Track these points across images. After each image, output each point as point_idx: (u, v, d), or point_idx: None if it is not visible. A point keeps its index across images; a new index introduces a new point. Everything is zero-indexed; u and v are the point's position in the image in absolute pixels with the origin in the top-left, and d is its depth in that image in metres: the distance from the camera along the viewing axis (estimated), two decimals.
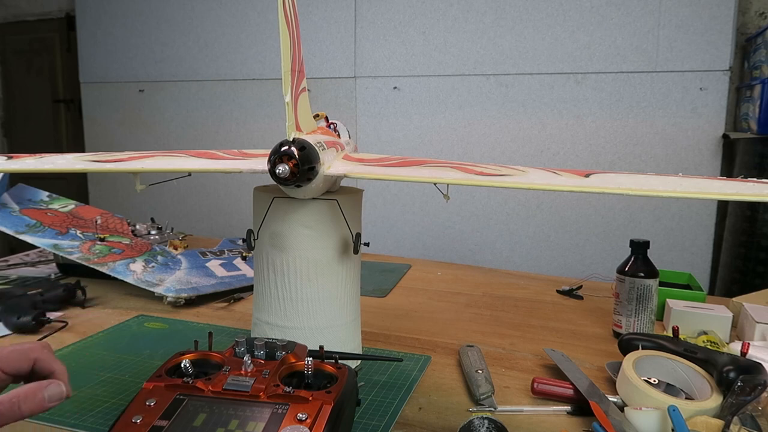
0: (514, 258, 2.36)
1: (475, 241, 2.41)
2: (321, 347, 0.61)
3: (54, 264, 1.26)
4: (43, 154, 0.72)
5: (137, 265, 1.12)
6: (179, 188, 2.83)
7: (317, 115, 0.82)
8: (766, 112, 1.80)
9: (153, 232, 1.39)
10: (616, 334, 0.91)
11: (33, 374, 0.49)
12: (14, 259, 1.37)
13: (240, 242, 1.44)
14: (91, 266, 1.10)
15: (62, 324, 0.93)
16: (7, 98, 3.71)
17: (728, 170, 2.10)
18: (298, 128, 0.63)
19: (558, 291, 1.18)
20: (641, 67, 2.13)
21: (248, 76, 2.69)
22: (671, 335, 0.81)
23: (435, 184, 0.63)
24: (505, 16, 2.26)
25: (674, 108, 2.11)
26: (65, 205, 1.31)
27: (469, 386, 0.73)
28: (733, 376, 0.64)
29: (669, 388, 0.70)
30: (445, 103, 2.39)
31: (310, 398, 0.52)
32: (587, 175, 0.57)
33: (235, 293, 1.10)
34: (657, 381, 0.71)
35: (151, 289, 1.05)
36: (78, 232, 1.20)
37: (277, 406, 0.52)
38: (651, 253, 0.92)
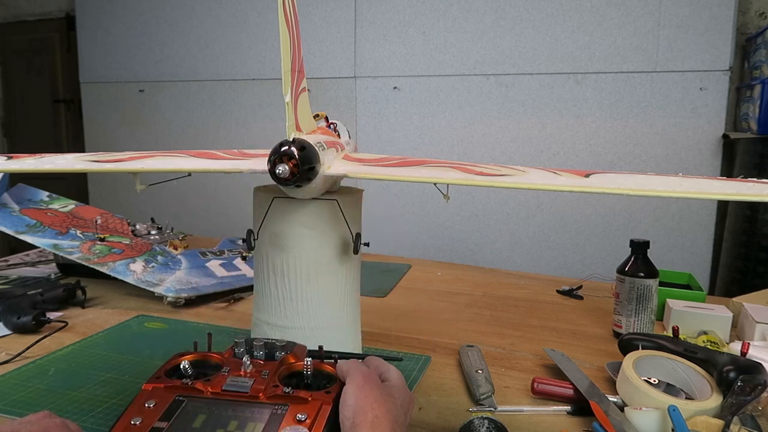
0: (514, 258, 2.36)
1: (475, 241, 2.41)
2: (320, 347, 0.61)
3: (54, 264, 1.26)
4: (43, 154, 0.72)
5: (137, 265, 1.12)
6: (179, 188, 2.83)
7: (317, 115, 0.82)
8: (766, 112, 1.80)
9: (153, 232, 1.39)
10: (616, 334, 0.91)
11: None
12: (14, 259, 1.37)
13: (240, 242, 1.44)
14: (91, 266, 1.10)
15: (62, 324, 0.93)
16: (7, 98, 3.71)
17: (728, 170, 2.10)
18: (298, 128, 0.63)
19: (558, 291, 1.18)
20: (641, 67, 2.13)
21: (248, 76, 2.69)
22: (671, 335, 0.81)
23: (435, 184, 0.63)
24: (505, 16, 2.26)
25: (674, 108, 2.11)
26: (65, 205, 1.31)
27: (469, 386, 0.73)
28: (733, 376, 0.64)
29: (669, 388, 0.70)
30: (445, 103, 2.39)
31: (310, 399, 0.52)
32: (587, 175, 0.57)
33: (235, 293, 1.10)
34: (657, 381, 0.71)
35: (151, 289, 1.05)
36: (78, 232, 1.20)
37: (277, 407, 0.52)
38: (651, 253, 0.92)
